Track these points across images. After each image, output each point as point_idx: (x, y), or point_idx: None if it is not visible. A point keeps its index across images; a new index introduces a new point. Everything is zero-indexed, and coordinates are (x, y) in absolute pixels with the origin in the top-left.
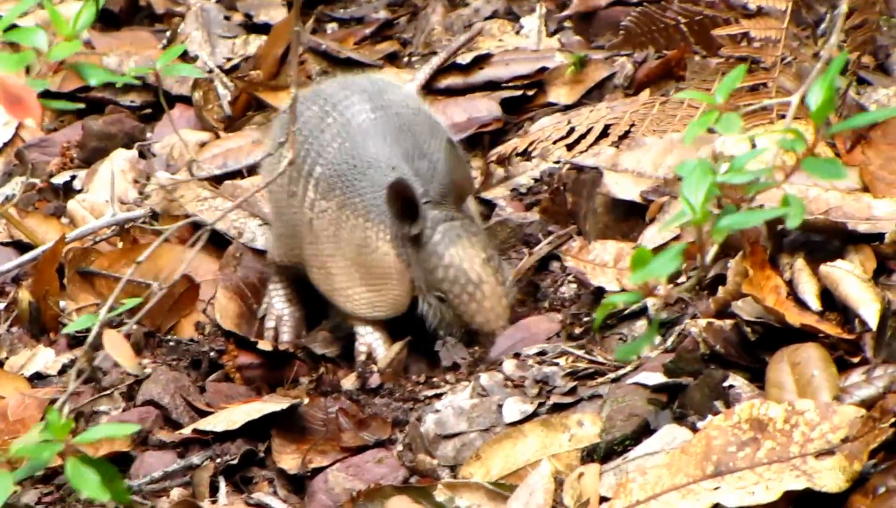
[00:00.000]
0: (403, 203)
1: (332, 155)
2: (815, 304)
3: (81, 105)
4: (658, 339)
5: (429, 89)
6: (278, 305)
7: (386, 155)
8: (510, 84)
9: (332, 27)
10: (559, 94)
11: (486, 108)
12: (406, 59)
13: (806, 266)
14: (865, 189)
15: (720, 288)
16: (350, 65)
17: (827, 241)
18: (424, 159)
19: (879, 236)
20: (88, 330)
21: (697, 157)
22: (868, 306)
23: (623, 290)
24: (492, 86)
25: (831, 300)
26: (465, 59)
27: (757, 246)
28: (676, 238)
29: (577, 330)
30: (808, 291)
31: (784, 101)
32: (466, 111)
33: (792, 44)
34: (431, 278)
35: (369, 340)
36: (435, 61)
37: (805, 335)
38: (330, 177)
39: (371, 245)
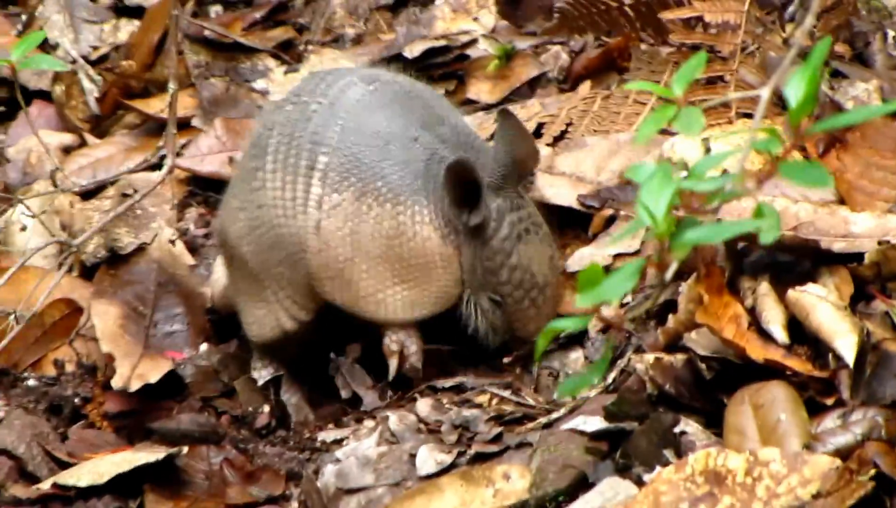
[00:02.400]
0: (464, 188)
1: (336, 139)
2: (782, 336)
3: None
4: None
5: None
6: (293, 399)
7: (401, 125)
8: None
9: (215, 10)
10: (481, 89)
11: None
12: (303, 47)
13: (771, 291)
14: (841, 201)
15: (670, 317)
16: (237, 53)
17: (796, 261)
18: (445, 126)
19: (858, 257)
20: None
21: (647, 160)
22: (844, 339)
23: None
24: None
25: (801, 332)
26: (412, 51)
27: (713, 267)
28: (617, 257)
29: (505, 361)
30: (774, 320)
31: (749, 94)
32: None
33: (754, 30)
34: (491, 279)
35: (401, 337)
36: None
37: (770, 372)
38: (341, 164)
39: (407, 233)
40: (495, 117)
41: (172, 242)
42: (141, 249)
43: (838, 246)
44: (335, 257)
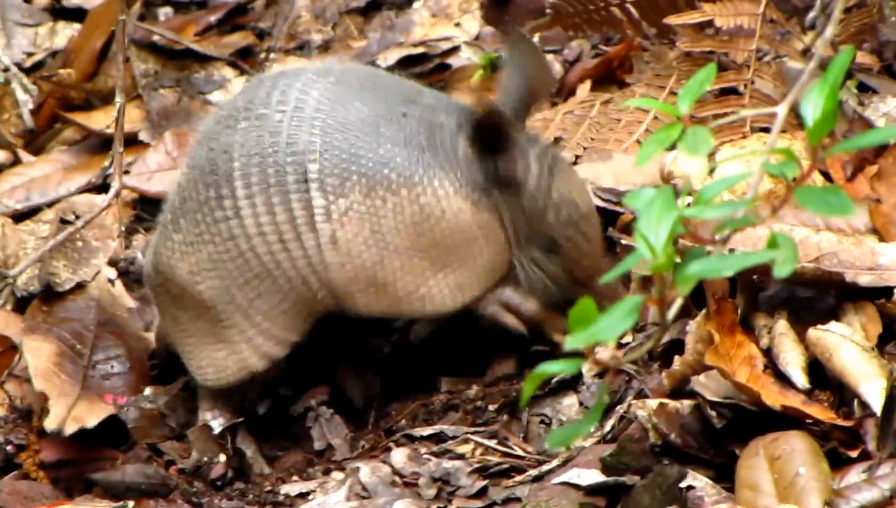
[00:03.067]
0: (493, 137)
1: (319, 142)
2: (802, 380)
3: None
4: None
5: None
6: (248, 450)
7: (384, 106)
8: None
9: (165, 13)
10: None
11: None
12: (264, 55)
13: (789, 330)
14: (873, 231)
15: (676, 358)
16: (189, 60)
17: (818, 297)
18: (424, 95)
19: (886, 292)
20: None
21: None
22: (871, 384)
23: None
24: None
25: (822, 376)
26: (386, 59)
27: (725, 303)
28: None
29: (490, 407)
30: (793, 362)
31: (765, 111)
32: None
33: (771, 35)
34: (538, 225)
35: (495, 297)
36: None
37: (788, 420)
38: (335, 166)
39: (434, 213)
40: (508, 40)
41: (112, 282)
42: (79, 285)
43: (865, 280)
44: (362, 266)
